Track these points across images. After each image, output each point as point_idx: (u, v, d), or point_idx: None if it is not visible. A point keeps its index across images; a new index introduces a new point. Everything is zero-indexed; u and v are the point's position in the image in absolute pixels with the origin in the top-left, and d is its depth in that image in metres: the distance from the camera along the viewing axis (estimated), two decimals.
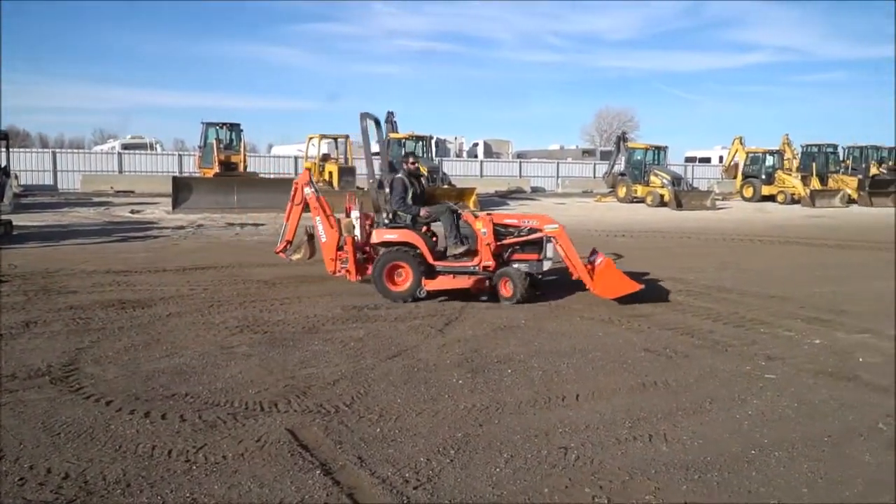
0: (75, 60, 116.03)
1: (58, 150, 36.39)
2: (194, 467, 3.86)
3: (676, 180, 29.68)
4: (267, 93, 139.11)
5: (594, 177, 42.77)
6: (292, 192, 9.36)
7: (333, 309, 7.79)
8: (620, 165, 33.28)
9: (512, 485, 3.73)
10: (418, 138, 27.87)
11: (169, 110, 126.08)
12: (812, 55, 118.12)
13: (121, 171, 33.92)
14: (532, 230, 8.45)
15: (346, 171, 24.34)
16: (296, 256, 9.53)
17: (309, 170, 9.91)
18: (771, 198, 32.36)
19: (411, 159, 8.96)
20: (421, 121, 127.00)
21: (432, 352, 6.15)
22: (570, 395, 5.09)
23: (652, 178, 30.04)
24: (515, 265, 8.36)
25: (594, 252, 8.70)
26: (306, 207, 9.31)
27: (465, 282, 8.25)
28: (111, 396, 4.90)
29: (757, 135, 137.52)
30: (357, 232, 8.91)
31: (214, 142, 24.72)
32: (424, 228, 8.61)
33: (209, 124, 26.30)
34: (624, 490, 3.70)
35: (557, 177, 42.81)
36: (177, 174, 31.86)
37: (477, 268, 8.36)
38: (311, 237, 9.40)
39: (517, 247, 8.48)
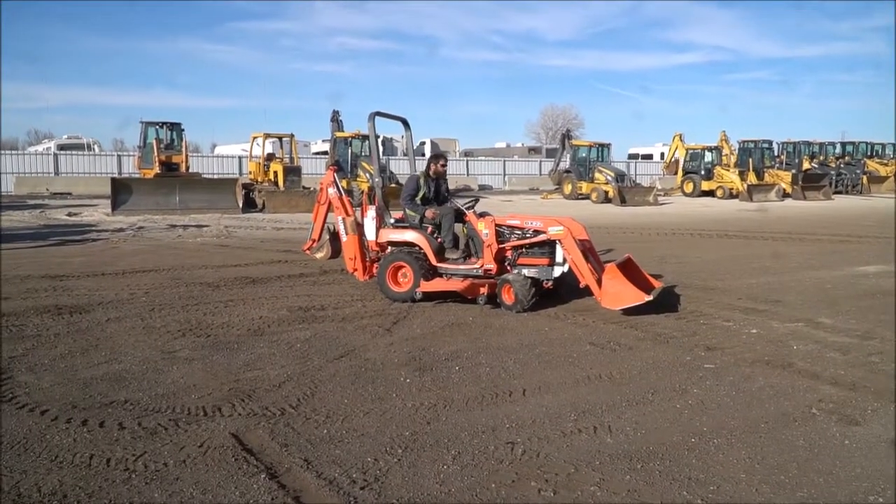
0: (6, 57, 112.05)
1: None
2: (134, 476, 3.76)
3: (620, 177, 30.28)
4: (209, 91, 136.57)
5: (540, 174, 43.32)
6: (318, 193, 9.41)
7: (279, 311, 7.70)
8: (566, 163, 33.76)
9: (459, 481, 3.74)
10: (364, 137, 27.69)
11: (108, 109, 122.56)
12: (745, 54, 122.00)
13: (57, 173, 32.93)
14: (537, 232, 8.01)
15: (292, 171, 24.08)
16: (319, 255, 9.57)
17: (334, 170, 9.68)
18: (710, 193, 33.30)
19: (441, 162, 8.82)
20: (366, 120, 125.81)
21: (380, 351, 6.13)
22: (517, 391, 5.13)
23: (596, 174, 30.58)
24: (523, 270, 7.99)
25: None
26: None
27: (457, 284, 7.96)
28: (47, 405, 4.74)
29: (696, 132, 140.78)
30: (369, 232, 8.84)
31: (155, 141, 24.30)
32: (430, 229, 8.47)
33: (149, 123, 25.80)
34: (569, 482, 3.75)
35: (504, 174, 43.18)
36: (116, 175, 31.13)
37: (479, 271, 8.12)
38: (335, 236, 9.34)
39: (524, 250, 8.10)
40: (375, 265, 8.73)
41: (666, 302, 8.24)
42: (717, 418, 4.66)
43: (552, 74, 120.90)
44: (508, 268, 8.16)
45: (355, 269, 8.96)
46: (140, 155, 25.94)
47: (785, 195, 32.65)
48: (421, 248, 8.31)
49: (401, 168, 37.12)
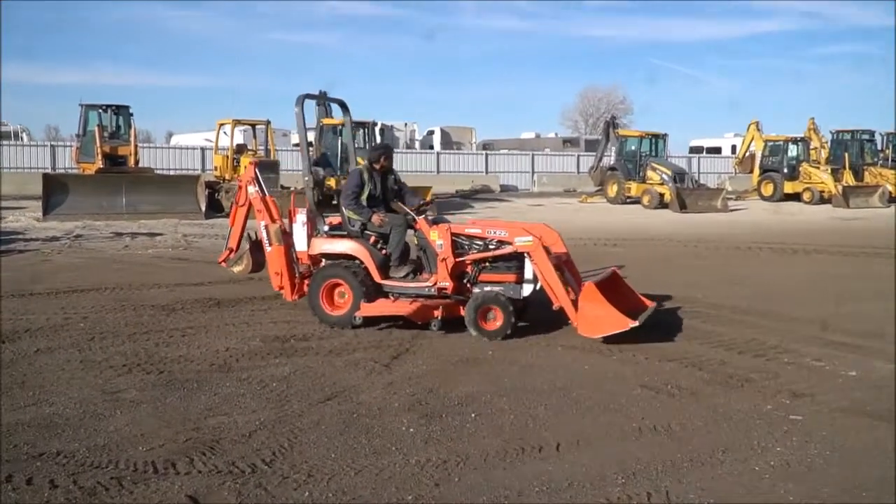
0: None
1: None
2: None
3: (679, 176, 30.26)
4: (165, 67, 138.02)
5: (578, 172, 43.35)
6: (237, 192, 9.60)
7: (251, 340, 7.72)
8: (610, 158, 33.77)
9: None
10: (358, 125, 27.80)
11: (39, 89, 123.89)
12: (841, 22, 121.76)
13: None
14: (501, 243, 8.21)
15: (267, 166, 24.14)
16: (237, 268, 9.75)
17: (255, 164, 9.90)
18: (795, 196, 33.16)
19: (385, 155, 8.96)
20: (362, 103, 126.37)
21: (376, 393, 6.13)
22: (549, 445, 5.11)
23: (649, 173, 30.58)
24: (485, 288, 8.17)
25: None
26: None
27: (403, 307, 8.07)
28: None
29: (777, 120, 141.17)
30: (299, 241, 8.94)
31: (97, 129, 24.36)
32: (373, 238, 8.56)
33: (90, 107, 26.01)
34: None
35: (533, 172, 43.27)
36: (49, 171, 31.33)
37: (432, 289, 8.26)
38: (257, 246, 9.45)
39: (486, 265, 8.30)
40: (307, 282, 8.81)
41: (739, 336, 8.20)
42: (806, 485, 4.62)
43: (593, 48, 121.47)
44: (468, 286, 8.27)
45: (282, 287, 9.10)
46: (79, 146, 26.14)
47: (891, 199, 32.47)
48: (362, 262, 8.40)
49: (403, 164, 37.29)
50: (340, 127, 26.91)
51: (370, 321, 8.25)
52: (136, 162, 24.91)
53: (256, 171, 9.65)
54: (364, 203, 8.63)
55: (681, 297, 10.30)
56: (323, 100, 29.09)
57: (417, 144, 48.01)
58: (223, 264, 9.93)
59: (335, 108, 29.01)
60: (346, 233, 8.66)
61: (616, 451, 5.06)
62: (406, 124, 48.09)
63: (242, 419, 5.50)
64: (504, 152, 46.12)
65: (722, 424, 5.58)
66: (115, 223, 19.77)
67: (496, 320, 7.94)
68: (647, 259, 14.87)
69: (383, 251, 8.51)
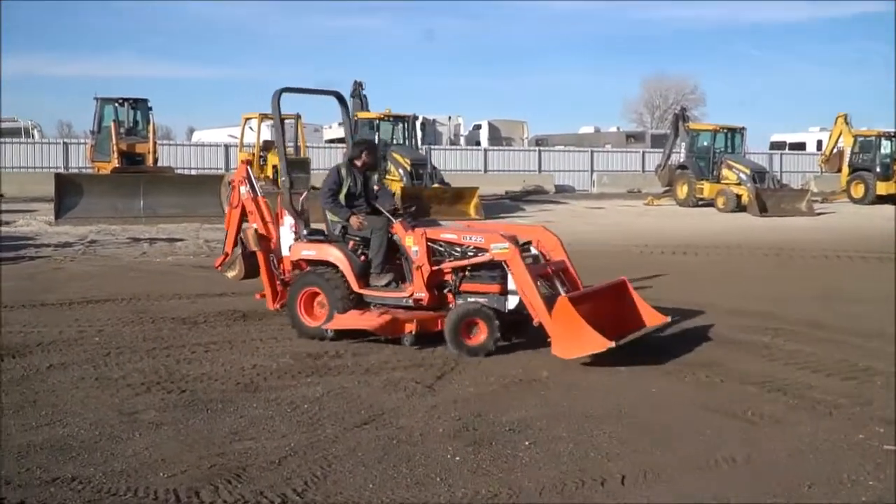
0: None
1: None
2: None
3: (759, 175, 29.91)
4: (186, 57, 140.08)
5: (643, 171, 43.10)
6: (230, 193, 9.87)
7: (280, 357, 7.78)
8: (680, 155, 33.51)
9: None
10: (397, 119, 28.04)
11: (51, 82, 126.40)
12: None
13: None
14: (479, 250, 8.20)
15: (298, 165, 24.38)
16: (230, 274, 9.98)
17: (247, 163, 10.13)
18: (890, 198, 32.58)
19: (367, 151, 9.19)
20: (402, 95, 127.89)
21: (418, 417, 6.14)
22: (613, 477, 5.08)
23: (724, 171, 30.29)
24: (469, 299, 8.17)
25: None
26: None
27: (370, 320, 8.13)
28: None
29: (869, 112, 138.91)
30: (284, 245, 9.22)
31: (113, 125, 24.74)
32: (353, 243, 8.71)
33: (105, 101, 26.38)
34: None
35: (592, 171, 43.12)
36: (61, 170, 31.90)
37: (408, 300, 8.33)
38: (251, 251, 9.65)
39: (467, 273, 8.28)
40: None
41: (827, 356, 8.08)
42: None
43: (661, 32, 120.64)
44: (450, 296, 8.28)
45: (263, 295, 9.43)
46: (93, 143, 26.59)
47: None
48: (339, 269, 8.50)
49: (446, 162, 37.38)
50: (378, 121, 27.15)
51: (344, 334, 8.34)
52: (155, 161, 25.29)
53: (249, 170, 9.91)
54: (342, 203, 8.84)
55: (761, 312, 10.19)
56: (358, 90, 29.41)
57: (462, 140, 48.05)
58: (219, 269, 10.17)
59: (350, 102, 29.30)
60: (324, 237, 8.91)
61: (689, 485, 5.01)
62: (450, 118, 48.15)
63: (271, 444, 5.54)
64: (559, 149, 45.96)
65: (808, 456, 5.49)
66: (132, 228, 20.08)
67: (480, 335, 7.93)
68: (721, 269, 14.72)
69: (362, 257, 8.64)
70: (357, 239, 8.70)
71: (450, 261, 8.28)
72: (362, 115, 28.01)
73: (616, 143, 49.17)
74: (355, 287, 8.43)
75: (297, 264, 9.03)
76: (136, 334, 8.70)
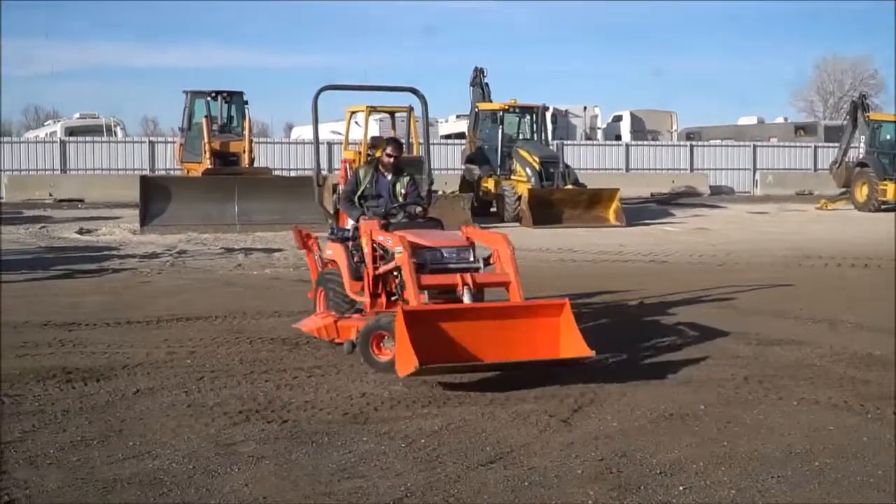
0: None
1: None
2: None
3: None
4: (284, 45, 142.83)
5: (815, 169, 42.00)
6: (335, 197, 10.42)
7: (392, 384, 7.84)
8: (859, 150, 32.55)
9: None
10: (524, 110, 28.06)
11: (136, 74, 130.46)
12: None
13: (64, 169, 35.32)
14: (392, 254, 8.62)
15: (410, 164, 24.61)
16: None
17: (349, 163, 10.41)
18: None
19: (389, 149, 9.77)
20: (530, 83, 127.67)
21: (552, 456, 6.11)
22: None
23: None
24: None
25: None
26: None
27: (312, 323, 9.12)
28: None
29: None
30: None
31: (204, 121, 25.08)
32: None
33: (195, 94, 26.92)
34: None
35: (754, 169, 42.23)
36: (147, 173, 32.91)
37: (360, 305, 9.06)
38: None
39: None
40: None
41: None
42: None
43: (833, 6, 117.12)
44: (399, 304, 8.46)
45: None
46: (182, 142, 27.28)
47: None
48: (338, 270, 9.10)
49: (581, 159, 37.13)
50: (502, 113, 27.16)
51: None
52: (251, 161, 25.45)
53: (348, 169, 10.49)
54: (356, 203, 9.57)
55: None
56: (479, 78, 29.50)
57: (600, 134, 47.67)
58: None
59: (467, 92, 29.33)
60: (336, 236, 9.61)
61: None
62: (585, 108, 47.84)
63: (384, 483, 5.57)
64: (715, 143, 45.22)
65: None
66: (226, 236, 20.60)
67: (393, 349, 7.94)
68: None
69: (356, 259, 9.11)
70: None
71: (383, 264, 8.71)
72: (484, 106, 28.11)
73: (783, 137, 48.08)
74: (348, 290, 9.03)
75: (327, 264, 9.80)
76: (231, 356, 8.91)
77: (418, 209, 9.62)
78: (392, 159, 9.71)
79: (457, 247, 8.74)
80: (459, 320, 8.00)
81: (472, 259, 8.68)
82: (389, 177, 9.74)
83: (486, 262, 8.83)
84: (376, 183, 9.66)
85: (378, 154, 9.99)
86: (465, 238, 8.91)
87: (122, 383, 7.86)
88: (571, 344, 8.03)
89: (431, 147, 34.74)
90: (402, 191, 9.69)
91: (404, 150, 25.24)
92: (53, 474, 5.69)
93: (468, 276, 8.34)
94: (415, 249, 8.38)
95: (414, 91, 10.77)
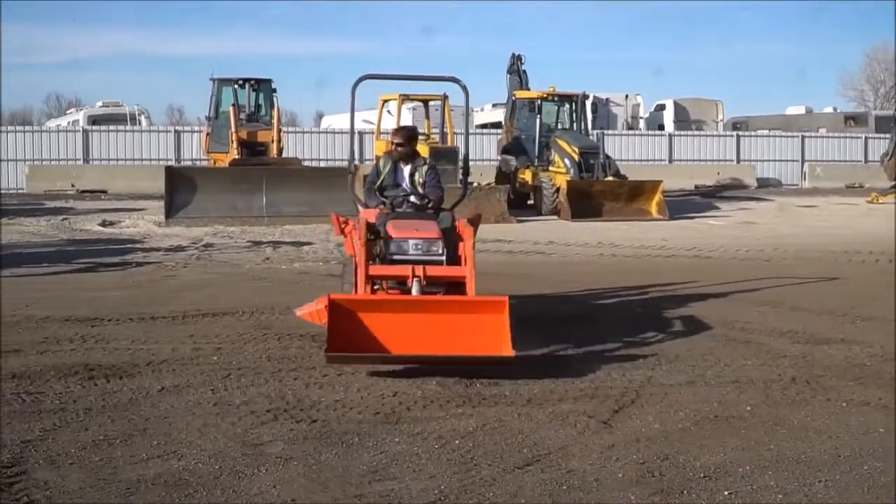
0: None
1: None
2: None
3: None
4: (315, 29, 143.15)
5: (866, 161, 41.59)
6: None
7: (425, 383, 7.82)
8: None
9: None
10: (563, 98, 27.95)
11: (160, 61, 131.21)
12: None
13: (87, 159, 35.54)
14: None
15: (444, 155, 24.52)
16: None
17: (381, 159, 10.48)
18: None
19: (396, 138, 10.17)
20: (568, 70, 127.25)
21: (592, 458, 6.08)
22: None
23: None
24: None
25: None
26: None
27: (308, 307, 9.26)
28: None
29: None
30: None
31: (231, 110, 25.06)
32: None
33: (223, 81, 26.95)
34: None
35: (802, 161, 41.90)
36: (172, 163, 33.06)
37: None
38: None
39: None
40: None
41: None
42: None
43: None
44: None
45: None
46: (209, 131, 27.36)
47: None
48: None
49: (622, 150, 36.96)
50: (540, 101, 27.05)
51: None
52: (280, 151, 25.51)
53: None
54: (377, 193, 9.94)
55: None
56: (516, 66, 29.42)
57: (642, 123, 47.46)
58: None
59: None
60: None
61: None
62: (627, 97, 47.61)
63: (417, 486, 5.55)
64: (762, 133, 44.88)
65: None
66: (253, 229, 20.66)
67: None
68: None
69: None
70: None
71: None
72: (521, 94, 28.03)
73: (832, 127, 47.62)
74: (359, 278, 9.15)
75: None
76: (259, 353, 8.91)
77: (426, 200, 9.73)
78: (401, 148, 9.97)
79: (425, 239, 8.99)
80: (384, 312, 8.36)
81: (439, 251, 8.93)
82: (408, 166, 9.97)
83: None
84: (394, 173, 9.97)
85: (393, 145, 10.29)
86: (437, 231, 9.08)
87: (147, 380, 7.87)
88: (496, 343, 8.08)
89: (469, 137, 34.89)
90: (420, 179, 9.85)
91: (438, 140, 25.41)
92: (75, 474, 5.69)
93: (419, 269, 8.57)
94: (386, 240, 8.99)
95: (455, 80, 10.79)
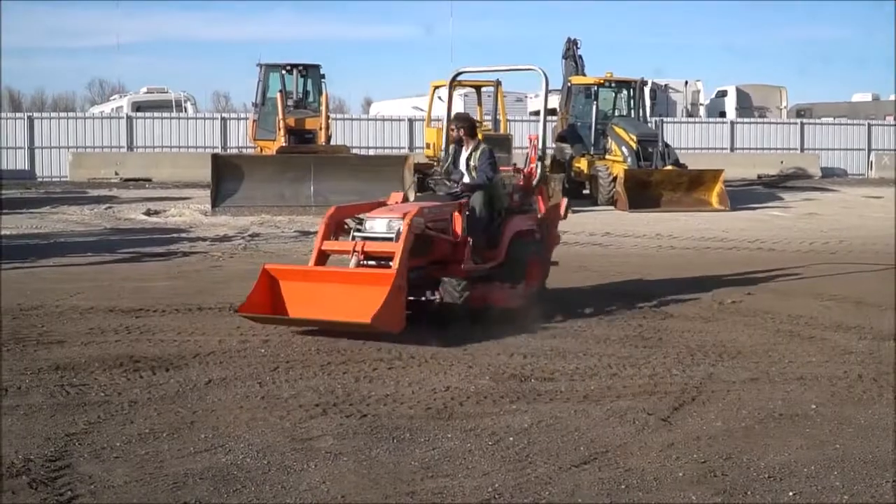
0: None
1: (36, 115, 38.87)
2: None
3: None
4: (365, 14, 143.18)
5: None
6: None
7: (478, 378, 7.85)
8: None
9: None
10: (620, 84, 27.83)
11: (206, 47, 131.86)
12: None
13: (131, 147, 35.91)
14: None
15: (497, 142, 24.51)
16: None
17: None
18: None
19: (452, 124, 11.01)
20: (626, 54, 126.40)
21: (651, 456, 6.07)
22: None
23: None
24: None
25: None
26: None
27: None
28: None
29: None
30: None
31: (279, 96, 25.04)
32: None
33: (270, 67, 26.99)
34: None
35: (869, 150, 41.37)
36: (219, 151, 33.29)
37: None
38: None
39: None
40: None
41: None
42: None
43: None
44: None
45: None
46: (256, 118, 27.35)
47: None
48: None
49: (682, 137, 36.70)
50: (596, 87, 26.92)
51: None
52: (328, 138, 25.43)
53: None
54: (443, 179, 10.85)
55: None
56: (572, 51, 29.29)
57: (703, 110, 47.05)
58: None
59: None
60: None
61: None
62: (687, 83, 47.21)
63: (470, 483, 5.57)
64: (827, 121, 44.35)
65: None
66: (301, 218, 20.76)
67: None
68: None
69: None
70: None
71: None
72: (577, 80, 27.91)
73: None
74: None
75: None
76: (310, 346, 8.96)
77: (455, 184, 10.56)
78: (457, 132, 10.86)
79: (388, 217, 9.78)
80: (298, 280, 9.75)
81: (396, 230, 9.48)
82: (467, 151, 10.79)
83: None
84: (455, 157, 10.93)
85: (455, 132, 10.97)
86: (405, 211, 9.66)
87: (193, 373, 7.96)
88: (385, 314, 8.78)
89: (521, 124, 34.87)
90: (473, 164, 10.64)
91: (491, 127, 25.37)
92: (120, 468, 5.76)
93: (360, 244, 9.64)
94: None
95: (538, 69, 11.53)
